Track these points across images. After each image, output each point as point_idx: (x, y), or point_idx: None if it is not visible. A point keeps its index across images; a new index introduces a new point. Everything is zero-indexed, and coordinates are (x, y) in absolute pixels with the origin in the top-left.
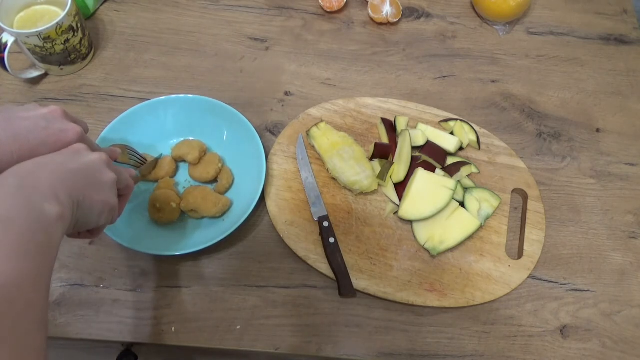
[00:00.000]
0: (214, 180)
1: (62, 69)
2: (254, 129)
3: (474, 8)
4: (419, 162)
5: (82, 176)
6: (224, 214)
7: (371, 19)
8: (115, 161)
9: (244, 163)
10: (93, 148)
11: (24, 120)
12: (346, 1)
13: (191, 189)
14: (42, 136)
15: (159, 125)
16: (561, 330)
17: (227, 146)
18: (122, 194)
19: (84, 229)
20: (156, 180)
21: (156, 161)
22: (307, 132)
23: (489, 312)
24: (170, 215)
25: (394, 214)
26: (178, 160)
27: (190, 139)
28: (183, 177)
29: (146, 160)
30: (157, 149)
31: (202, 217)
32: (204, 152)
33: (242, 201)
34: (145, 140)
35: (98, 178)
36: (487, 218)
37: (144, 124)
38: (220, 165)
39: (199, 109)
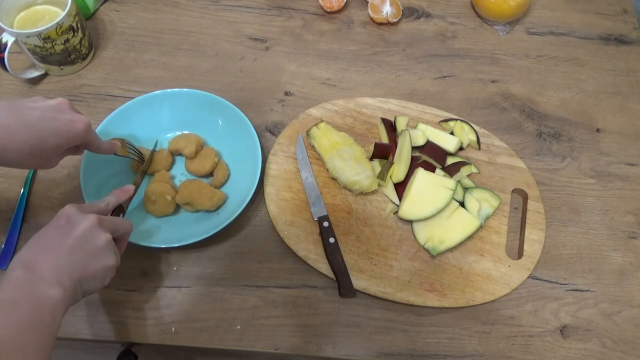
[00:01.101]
0: (210, 174)
1: (62, 69)
2: (251, 124)
3: (474, 8)
4: (419, 162)
5: (80, 252)
6: (218, 208)
7: (371, 19)
8: (115, 154)
9: (240, 158)
10: (93, 135)
11: (33, 110)
12: (346, 1)
13: (187, 182)
14: (52, 126)
15: (155, 119)
16: (561, 330)
17: (223, 141)
18: (121, 238)
19: (89, 294)
20: (152, 174)
21: (152, 154)
22: (307, 132)
23: (489, 312)
24: (165, 208)
25: (394, 214)
26: (175, 154)
27: (187, 132)
28: (179, 170)
29: (142, 153)
30: (154, 143)
31: (197, 211)
32: (200, 146)
33: (237, 196)
34: (142, 134)
35: (94, 246)
36: (487, 218)
37: (141, 118)
38: (216, 159)
39: (196, 103)
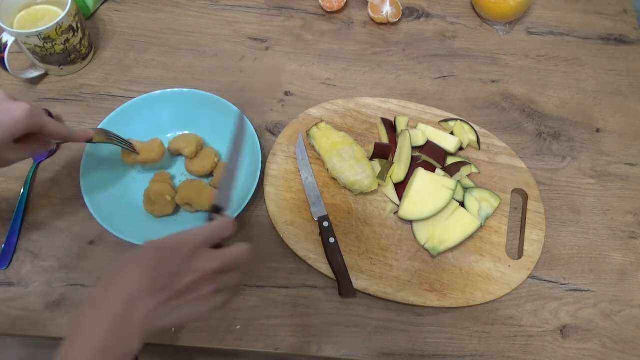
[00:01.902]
0: (210, 174)
1: (62, 69)
2: (251, 125)
3: (474, 8)
4: (419, 162)
5: (174, 304)
6: None
7: (371, 19)
8: (90, 141)
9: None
10: (43, 119)
11: None
12: (346, 1)
13: (187, 182)
14: None
15: (155, 119)
16: (561, 330)
17: (223, 141)
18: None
19: None
20: (146, 163)
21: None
22: (307, 132)
23: (489, 312)
24: (164, 208)
25: (394, 214)
26: (175, 154)
27: (187, 132)
28: (179, 170)
29: (132, 144)
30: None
31: (197, 211)
32: (200, 146)
33: (237, 196)
34: (142, 134)
35: (191, 300)
36: (487, 218)
37: (141, 118)
38: (216, 159)
39: (196, 103)
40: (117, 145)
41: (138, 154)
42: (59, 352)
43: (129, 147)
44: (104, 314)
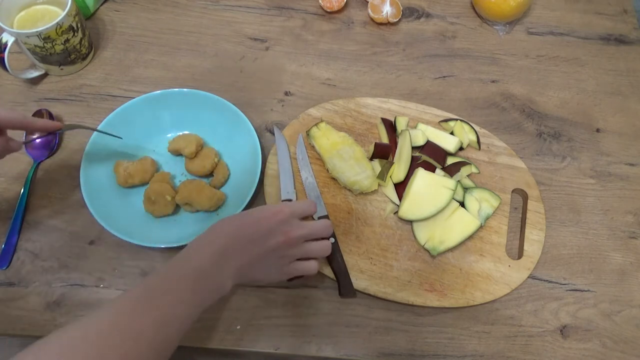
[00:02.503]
0: (210, 174)
1: (62, 69)
2: (250, 124)
3: (474, 8)
4: (419, 162)
5: (261, 263)
6: (218, 208)
7: (371, 19)
8: (60, 130)
9: (240, 158)
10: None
11: None
12: (346, 1)
13: (187, 182)
14: None
15: (155, 119)
16: (561, 330)
17: (223, 141)
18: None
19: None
20: (145, 184)
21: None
22: (307, 132)
23: (489, 312)
24: (164, 208)
25: (394, 214)
26: (175, 154)
27: (187, 132)
28: (179, 170)
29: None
30: (154, 143)
31: (197, 211)
32: (200, 146)
33: (237, 196)
34: (142, 134)
35: (276, 263)
36: (487, 218)
37: (141, 118)
38: (216, 159)
39: (196, 103)
40: (88, 129)
41: (120, 137)
42: (168, 264)
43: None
44: (206, 252)
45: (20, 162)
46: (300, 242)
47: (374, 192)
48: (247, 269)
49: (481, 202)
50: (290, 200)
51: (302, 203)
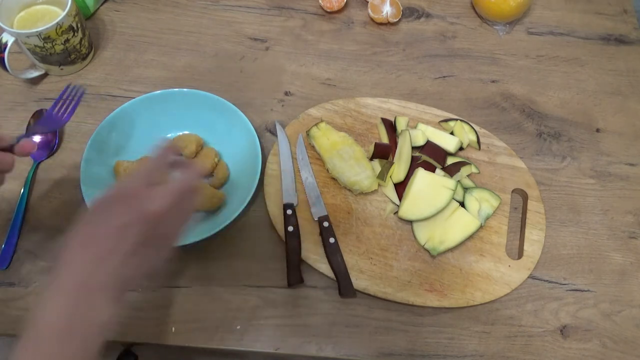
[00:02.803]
0: (210, 174)
1: (62, 69)
2: (250, 124)
3: (474, 8)
4: (419, 162)
5: (139, 255)
6: (218, 208)
7: (371, 19)
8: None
9: (240, 158)
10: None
11: None
12: (346, 1)
13: None
14: None
15: (155, 119)
16: (561, 330)
17: (223, 141)
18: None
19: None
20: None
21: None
22: (307, 132)
23: (489, 312)
24: None
25: (394, 214)
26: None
27: (187, 132)
28: None
29: None
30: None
31: (197, 211)
32: (200, 146)
33: (237, 196)
34: (142, 134)
35: (157, 243)
36: (487, 218)
37: (141, 118)
38: (216, 159)
39: (196, 103)
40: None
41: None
42: (23, 337)
43: None
44: (59, 291)
45: (20, 162)
46: (176, 204)
47: (374, 192)
48: (122, 274)
49: (481, 202)
50: (292, 204)
51: (151, 163)
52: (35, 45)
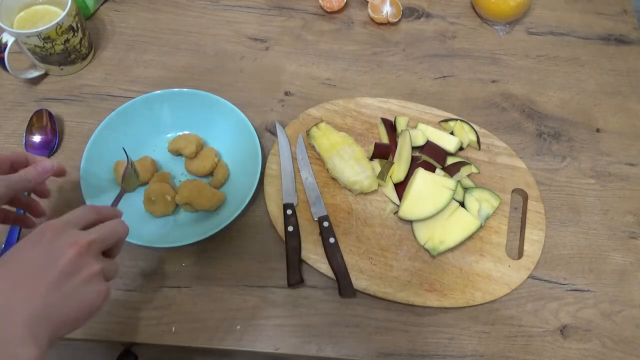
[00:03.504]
0: (210, 174)
1: (62, 69)
2: (250, 124)
3: (474, 8)
4: (419, 162)
5: (64, 289)
6: (218, 208)
7: (371, 19)
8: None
9: (240, 158)
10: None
11: None
12: (346, 1)
13: (186, 182)
14: None
15: (155, 119)
16: (561, 330)
17: (223, 141)
18: (116, 245)
19: (65, 335)
20: (146, 183)
21: (132, 168)
22: (307, 132)
23: (489, 312)
24: (164, 208)
25: (394, 214)
26: (175, 154)
27: (187, 132)
28: (179, 170)
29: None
30: (154, 143)
31: (197, 211)
32: (200, 146)
33: (237, 196)
34: (142, 134)
35: (81, 279)
36: (487, 218)
37: (141, 118)
38: (216, 159)
39: (196, 103)
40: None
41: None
42: None
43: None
44: None
45: None
46: (95, 248)
47: (374, 192)
48: (47, 312)
49: (481, 202)
50: (292, 204)
51: (75, 211)
52: (35, 45)
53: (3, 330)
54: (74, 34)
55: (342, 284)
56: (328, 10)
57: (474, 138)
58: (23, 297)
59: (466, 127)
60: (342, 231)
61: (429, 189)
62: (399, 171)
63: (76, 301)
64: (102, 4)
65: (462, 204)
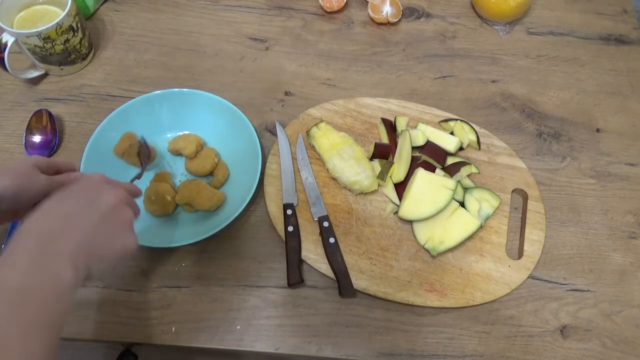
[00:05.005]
0: (210, 174)
1: (62, 69)
2: (250, 124)
3: (474, 8)
4: (419, 162)
5: (104, 230)
6: (218, 208)
7: (371, 19)
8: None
9: (240, 158)
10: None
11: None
12: (346, 1)
13: (187, 182)
14: None
15: (155, 119)
16: (561, 330)
17: (223, 141)
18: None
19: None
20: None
21: (144, 144)
22: (307, 132)
23: (489, 312)
24: (164, 208)
25: (394, 214)
26: (175, 154)
27: (187, 132)
28: (179, 170)
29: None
30: (154, 143)
31: (197, 211)
32: (200, 146)
33: (237, 196)
34: (142, 134)
35: (120, 224)
36: (487, 218)
37: (141, 118)
38: (216, 159)
39: (196, 103)
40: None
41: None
42: None
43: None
44: (20, 250)
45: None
46: (129, 200)
47: (374, 192)
48: (88, 246)
49: (481, 202)
50: (292, 204)
51: (102, 174)
52: (35, 45)
53: (53, 254)
54: (74, 34)
55: (342, 284)
56: (328, 10)
57: (474, 138)
58: (71, 231)
59: (466, 127)
60: (342, 231)
61: (429, 189)
62: (399, 171)
63: (112, 242)
64: (102, 4)
65: (462, 204)
